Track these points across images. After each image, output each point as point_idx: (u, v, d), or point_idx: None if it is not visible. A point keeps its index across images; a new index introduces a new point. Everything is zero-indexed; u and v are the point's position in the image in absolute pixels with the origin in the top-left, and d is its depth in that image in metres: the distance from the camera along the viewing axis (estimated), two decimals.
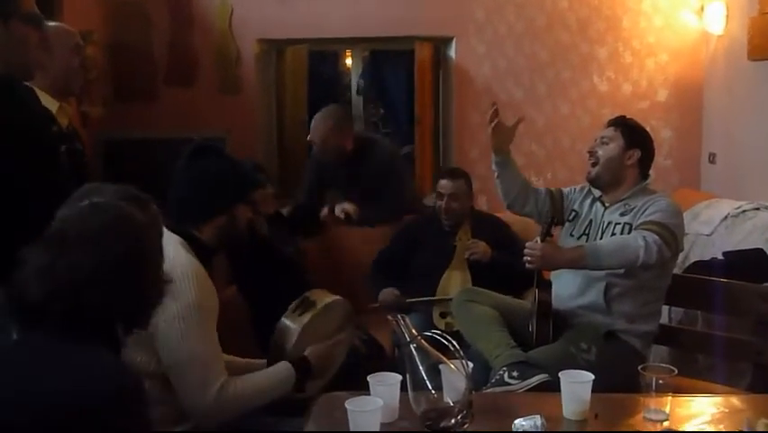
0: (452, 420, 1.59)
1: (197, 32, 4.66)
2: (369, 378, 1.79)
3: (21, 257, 1.30)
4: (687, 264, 3.13)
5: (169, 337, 1.85)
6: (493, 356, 2.42)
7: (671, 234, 2.38)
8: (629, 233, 2.46)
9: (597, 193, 2.68)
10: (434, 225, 3.41)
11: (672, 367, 1.81)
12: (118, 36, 4.63)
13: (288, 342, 2.14)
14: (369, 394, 1.75)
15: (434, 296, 3.19)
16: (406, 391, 1.68)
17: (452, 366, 1.65)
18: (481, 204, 4.21)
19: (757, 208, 3.31)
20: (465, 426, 1.60)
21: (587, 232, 2.63)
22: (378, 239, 3.56)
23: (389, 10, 4.59)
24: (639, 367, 1.82)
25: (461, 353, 1.65)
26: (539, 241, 2.47)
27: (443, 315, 3.13)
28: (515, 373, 2.30)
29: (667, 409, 1.77)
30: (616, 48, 4.62)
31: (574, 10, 4.60)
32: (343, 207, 3.57)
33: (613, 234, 2.52)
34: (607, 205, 2.63)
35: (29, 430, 1.18)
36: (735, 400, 1.95)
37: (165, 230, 1.93)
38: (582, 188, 2.76)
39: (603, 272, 2.47)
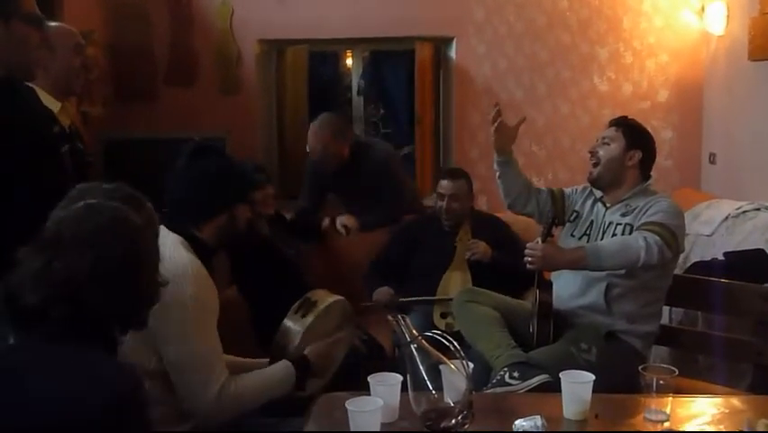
0: (453, 421, 1.59)
1: (198, 32, 4.66)
2: (369, 378, 1.79)
3: (15, 259, 1.29)
4: (687, 265, 3.13)
5: (170, 336, 1.85)
6: (494, 357, 2.42)
7: (672, 235, 2.38)
8: (630, 233, 2.46)
9: (598, 194, 2.68)
10: (435, 225, 3.41)
11: (672, 368, 1.81)
12: (118, 36, 4.63)
13: (291, 343, 2.14)
14: (369, 394, 1.75)
15: (434, 296, 3.19)
16: (407, 391, 1.68)
17: (453, 367, 1.65)
18: (482, 204, 4.21)
19: (758, 209, 3.31)
20: (465, 426, 1.60)
21: (588, 232, 2.63)
22: (377, 239, 3.57)
23: (390, 10, 4.59)
24: (640, 368, 1.82)
25: (462, 353, 1.65)
26: (540, 241, 2.47)
27: (443, 315, 3.13)
28: (515, 374, 2.30)
29: (667, 410, 1.77)
30: (616, 48, 4.62)
31: (575, 10, 4.60)
32: (343, 222, 3.59)
33: (614, 234, 2.52)
34: (608, 205, 2.63)
35: None
36: (735, 401, 1.95)
37: (165, 230, 1.95)
38: (584, 189, 2.76)
39: (604, 273, 2.47)
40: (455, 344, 1.65)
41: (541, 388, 2.23)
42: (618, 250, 2.38)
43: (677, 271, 2.69)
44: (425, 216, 3.65)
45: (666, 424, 1.76)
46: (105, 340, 1.34)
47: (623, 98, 4.63)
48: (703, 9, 4.44)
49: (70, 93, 2.59)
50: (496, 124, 2.64)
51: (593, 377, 1.80)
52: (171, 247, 1.92)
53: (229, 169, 2.12)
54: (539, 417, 1.66)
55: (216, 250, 2.10)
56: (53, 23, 2.38)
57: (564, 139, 4.70)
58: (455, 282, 3.19)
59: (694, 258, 3.23)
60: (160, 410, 1.84)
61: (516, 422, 1.66)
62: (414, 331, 1.69)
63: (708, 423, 1.80)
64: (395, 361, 2.66)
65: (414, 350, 1.66)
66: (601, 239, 2.55)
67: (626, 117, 2.72)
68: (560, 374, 1.83)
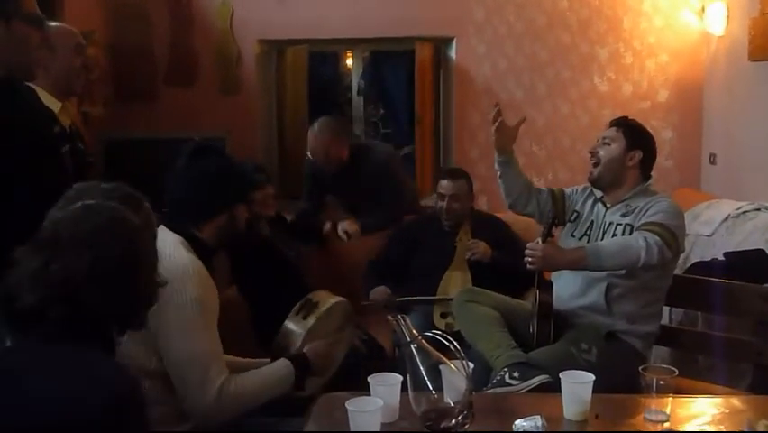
0: (453, 421, 1.59)
1: (198, 32, 4.66)
2: (369, 378, 1.79)
3: (12, 260, 1.29)
4: (687, 265, 3.13)
5: (171, 335, 1.85)
6: (494, 357, 2.42)
7: (672, 236, 2.37)
8: (630, 234, 2.46)
9: (598, 194, 2.68)
10: (435, 225, 3.41)
11: (672, 368, 1.81)
12: (119, 36, 4.64)
13: (293, 346, 2.15)
14: (369, 395, 1.75)
15: (434, 296, 3.19)
16: (407, 391, 1.68)
17: (453, 367, 1.65)
18: (482, 204, 4.21)
19: (758, 209, 3.31)
20: (466, 426, 1.60)
21: (588, 233, 2.63)
22: (378, 240, 3.57)
23: (390, 10, 4.59)
24: (640, 368, 1.82)
25: (462, 353, 1.65)
26: (540, 241, 2.46)
27: (443, 315, 3.13)
28: (515, 374, 2.30)
29: (668, 410, 1.77)
30: (616, 48, 4.62)
31: (575, 10, 4.60)
32: (345, 228, 3.59)
33: (614, 234, 2.52)
34: (608, 206, 2.62)
35: None
36: (735, 401, 1.95)
37: (166, 230, 1.95)
38: (584, 189, 2.76)
39: (604, 273, 2.47)
40: (455, 344, 1.65)
41: (541, 388, 2.23)
42: (619, 250, 2.38)
43: (677, 272, 2.69)
44: (424, 216, 3.65)
45: (666, 424, 1.76)
46: (103, 341, 1.34)
47: (623, 98, 4.63)
48: (703, 9, 4.44)
49: (71, 93, 2.59)
50: (496, 124, 2.64)
51: (593, 377, 1.80)
52: (172, 247, 1.92)
53: (229, 169, 2.12)
54: (539, 417, 1.66)
55: (216, 250, 2.10)
56: (54, 23, 2.38)
57: (564, 139, 4.70)
58: (455, 282, 3.19)
59: (694, 258, 3.23)
60: (159, 410, 1.84)
61: (517, 422, 1.66)
62: (414, 331, 1.69)
63: (709, 423, 1.80)
64: (395, 361, 2.66)
65: (414, 350, 1.66)
66: (601, 239, 2.55)
67: (626, 118, 2.72)
68: (560, 375, 1.83)
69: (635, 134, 2.62)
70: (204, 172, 2.05)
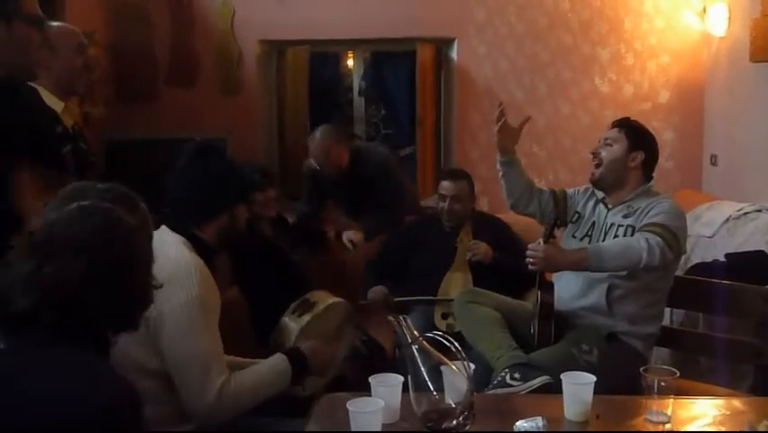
0: (454, 421, 1.59)
1: (199, 32, 4.67)
2: (370, 379, 1.79)
3: (6, 262, 1.27)
4: (689, 266, 3.13)
5: (173, 335, 1.85)
6: (495, 358, 2.42)
7: (673, 237, 2.37)
8: (632, 235, 2.46)
9: (600, 195, 2.68)
10: (435, 226, 3.41)
11: (673, 369, 1.81)
12: (120, 37, 4.64)
13: (288, 340, 2.15)
14: (370, 395, 1.75)
15: (435, 297, 3.19)
16: (408, 392, 1.68)
17: (454, 367, 1.65)
18: (483, 205, 4.21)
19: (759, 210, 3.31)
20: (466, 427, 1.60)
21: (589, 233, 2.63)
22: (378, 240, 3.58)
23: (391, 11, 4.60)
24: (641, 369, 1.81)
25: (463, 354, 1.65)
26: (542, 242, 2.46)
27: (444, 316, 3.13)
28: (516, 375, 2.30)
29: (669, 412, 1.77)
30: (617, 49, 4.62)
31: (576, 11, 4.60)
32: (350, 237, 3.63)
33: (616, 235, 2.52)
34: (610, 206, 2.62)
35: None
36: (736, 403, 1.95)
37: (167, 230, 1.95)
38: (586, 190, 2.76)
39: (605, 274, 2.47)
40: (456, 345, 1.65)
41: (542, 389, 2.23)
42: (620, 251, 2.38)
43: (678, 273, 2.68)
44: (425, 217, 3.66)
45: (667, 426, 1.76)
46: (97, 342, 1.32)
47: (624, 99, 4.63)
48: (704, 10, 4.44)
49: (73, 93, 2.59)
50: (500, 124, 2.64)
51: (594, 378, 1.80)
52: (174, 247, 1.92)
53: (230, 169, 2.12)
54: (540, 418, 1.66)
55: (217, 250, 2.10)
56: (55, 23, 2.38)
57: (565, 140, 4.70)
58: (456, 283, 3.19)
59: (695, 259, 3.23)
60: (160, 410, 1.84)
61: (518, 423, 1.66)
62: (415, 332, 1.69)
63: (710, 425, 1.80)
64: (396, 362, 2.66)
65: (415, 351, 1.66)
66: (603, 240, 2.55)
67: (628, 118, 2.72)
68: (561, 375, 1.82)
69: (637, 135, 2.62)
70: (204, 173, 2.05)
